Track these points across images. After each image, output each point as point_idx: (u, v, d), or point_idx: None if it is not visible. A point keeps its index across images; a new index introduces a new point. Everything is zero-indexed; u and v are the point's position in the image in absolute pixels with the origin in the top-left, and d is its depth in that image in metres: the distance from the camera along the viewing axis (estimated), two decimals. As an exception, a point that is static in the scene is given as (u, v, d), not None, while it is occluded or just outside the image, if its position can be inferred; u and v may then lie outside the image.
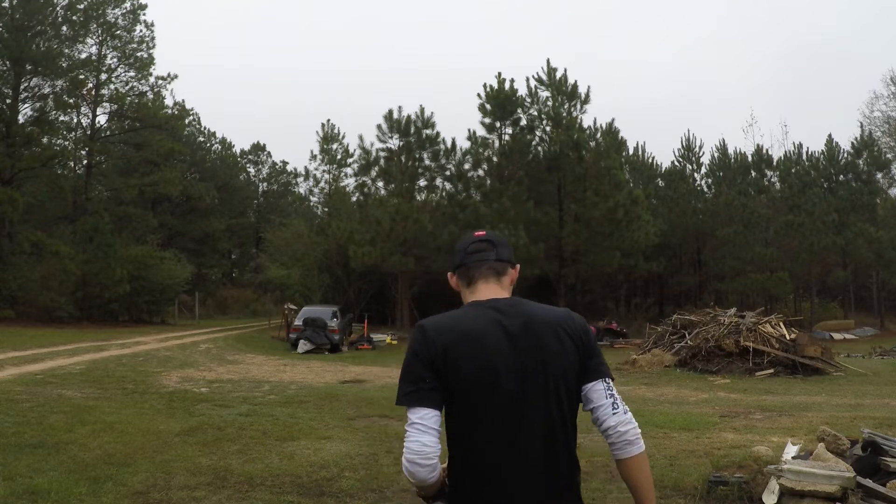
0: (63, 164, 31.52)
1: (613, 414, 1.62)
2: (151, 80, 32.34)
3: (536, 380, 1.60)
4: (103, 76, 30.91)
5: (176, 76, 33.26)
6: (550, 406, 1.60)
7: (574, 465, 1.67)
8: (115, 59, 31.22)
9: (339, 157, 36.27)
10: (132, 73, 31.73)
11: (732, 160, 32.35)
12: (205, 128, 49.43)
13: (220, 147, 51.22)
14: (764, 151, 31.25)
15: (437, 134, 26.99)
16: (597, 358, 1.68)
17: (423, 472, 1.56)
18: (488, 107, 25.98)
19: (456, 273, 1.81)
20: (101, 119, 32.78)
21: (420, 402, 1.57)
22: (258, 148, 56.65)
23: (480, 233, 1.86)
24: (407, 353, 1.65)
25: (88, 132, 32.00)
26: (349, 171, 34.64)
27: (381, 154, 27.38)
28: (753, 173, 31.08)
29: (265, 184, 57.62)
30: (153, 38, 31.54)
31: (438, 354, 1.59)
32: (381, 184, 28.44)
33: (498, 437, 1.59)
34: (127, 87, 31.79)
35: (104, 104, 31.78)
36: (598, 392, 1.65)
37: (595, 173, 24.72)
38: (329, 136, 36.17)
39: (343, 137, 36.47)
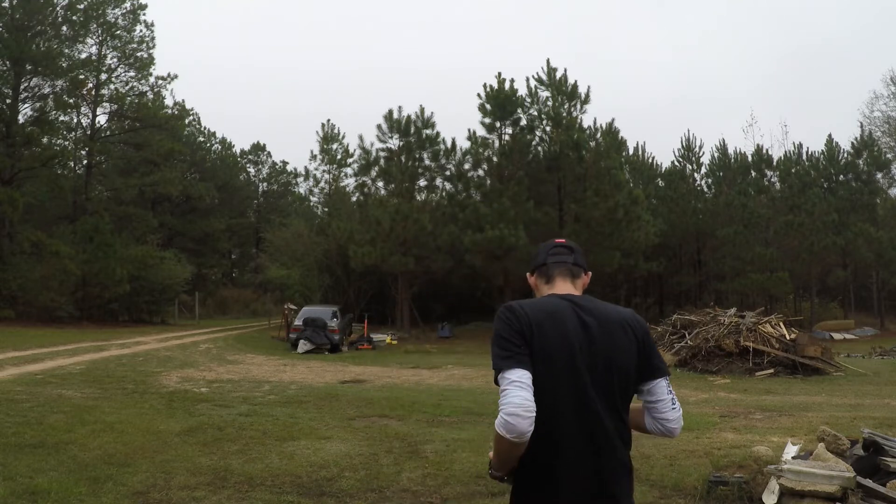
0: (63, 164, 31.50)
1: (672, 409, 1.88)
2: (151, 80, 32.38)
3: (604, 368, 1.80)
4: (103, 76, 30.91)
5: (176, 76, 33.32)
6: (615, 392, 1.81)
7: (629, 445, 1.88)
8: (115, 59, 31.23)
9: (339, 157, 36.30)
10: (132, 73, 31.76)
11: (732, 160, 32.34)
12: (205, 128, 49.51)
13: (220, 147, 51.23)
14: (764, 151, 31.25)
15: (437, 134, 27.05)
16: (658, 358, 1.90)
17: (525, 423, 1.64)
18: (488, 107, 25.96)
19: (536, 272, 2.04)
20: (101, 119, 32.81)
21: (517, 364, 1.71)
22: (258, 148, 56.69)
23: (561, 240, 2.08)
24: (497, 327, 1.81)
25: (88, 132, 31.99)
26: (349, 171, 34.74)
27: (381, 154, 27.42)
28: (753, 173, 31.05)
29: (265, 184, 57.64)
30: (153, 38, 31.57)
31: (527, 326, 1.77)
32: (381, 184, 28.48)
33: (572, 412, 1.76)
34: (127, 87, 31.81)
35: (104, 104, 31.79)
36: (661, 388, 1.88)
37: (595, 173, 24.70)
38: (329, 136, 36.19)
39: (343, 137, 36.54)
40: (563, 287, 1.96)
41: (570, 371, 1.77)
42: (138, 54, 31.29)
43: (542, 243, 2.11)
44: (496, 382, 1.74)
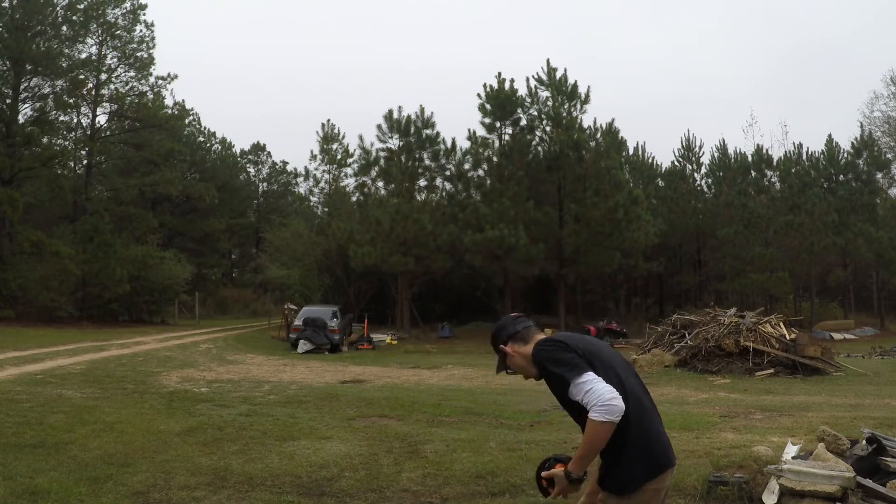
0: (63, 164, 31.51)
1: None
2: (151, 80, 32.41)
3: (626, 363, 2.41)
4: (103, 76, 30.94)
5: (176, 76, 33.36)
6: (640, 379, 2.42)
7: None
8: (115, 59, 31.25)
9: (339, 157, 36.32)
10: (132, 73, 31.79)
11: (732, 160, 32.36)
12: (205, 128, 49.45)
13: (220, 147, 51.17)
14: (764, 151, 31.27)
15: (437, 134, 27.07)
16: None
17: (621, 402, 2.07)
18: (488, 107, 25.98)
19: (510, 341, 2.45)
20: (101, 119, 32.86)
21: (584, 369, 2.16)
22: (258, 148, 56.61)
23: (514, 314, 2.59)
24: (550, 354, 2.26)
25: (88, 132, 32.01)
26: (349, 171, 34.76)
27: (381, 154, 27.43)
28: (753, 173, 31.06)
29: (265, 184, 57.57)
30: (153, 38, 31.59)
31: (573, 345, 2.26)
32: (381, 184, 28.49)
33: (633, 395, 2.25)
34: (127, 87, 31.84)
35: (104, 104, 31.83)
36: None
37: (595, 173, 24.71)
38: (329, 136, 36.20)
39: (343, 137, 36.57)
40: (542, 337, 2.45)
41: (618, 366, 2.27)
42: (138, 54, 31.33)
43: (501, 320, 2.54)
44: (570, 395, 2.15)
